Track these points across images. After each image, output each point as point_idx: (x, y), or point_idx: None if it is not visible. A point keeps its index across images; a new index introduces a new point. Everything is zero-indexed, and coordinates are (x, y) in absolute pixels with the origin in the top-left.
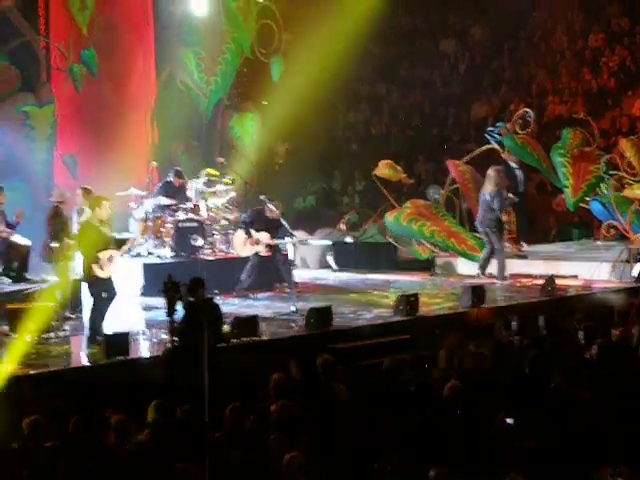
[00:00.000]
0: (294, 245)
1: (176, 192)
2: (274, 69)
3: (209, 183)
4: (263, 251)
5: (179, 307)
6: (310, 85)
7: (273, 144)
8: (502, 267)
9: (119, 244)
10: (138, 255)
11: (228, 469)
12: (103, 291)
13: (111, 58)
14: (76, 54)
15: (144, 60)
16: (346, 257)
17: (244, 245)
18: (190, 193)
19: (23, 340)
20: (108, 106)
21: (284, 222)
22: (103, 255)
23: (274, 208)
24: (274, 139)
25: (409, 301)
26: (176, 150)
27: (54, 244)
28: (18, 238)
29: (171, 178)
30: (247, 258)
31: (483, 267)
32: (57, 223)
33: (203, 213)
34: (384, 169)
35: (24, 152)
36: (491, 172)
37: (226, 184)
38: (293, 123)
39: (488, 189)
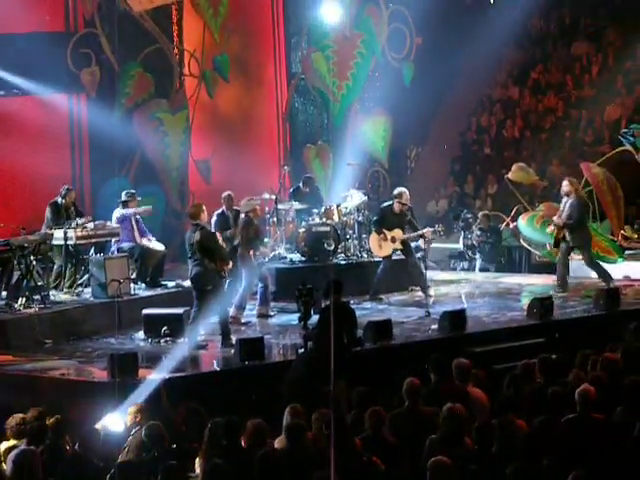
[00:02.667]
0: (425, 241)
1: (306, 197)
2: (405, 73)
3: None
4: (399, 248)
5: (313, 312)
6: (441, 89)
7: (405, 148)
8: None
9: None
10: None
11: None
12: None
13: (243, 63)
14: (209, 60)
15: (275, 65)
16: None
17: (380, 246)
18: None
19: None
20: (240, 111)
21: (410, 216)
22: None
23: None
24: (406, 143)
25: (543, 304)
26: (308, 154)
27: (250, 250)
28: (153, 244)
29: (300, 184)
30: (379, 262)
31: None
32: (250, 231)
33: (335, 217)
34: (517, 172)
35: (158, 158)
36: None
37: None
38: (425, 127)
39: None
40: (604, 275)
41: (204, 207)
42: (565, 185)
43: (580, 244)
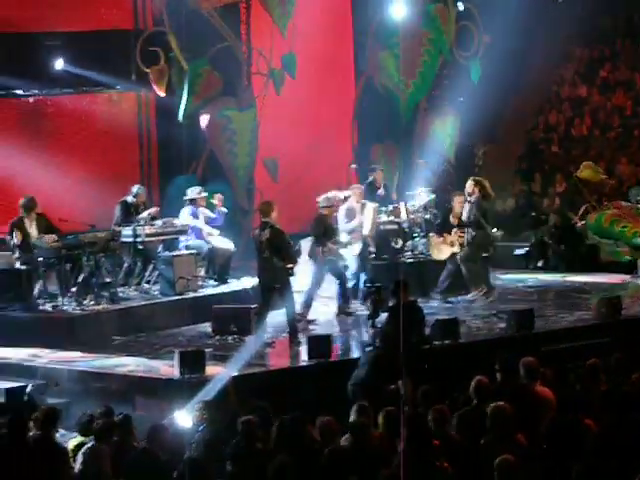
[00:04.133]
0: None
1: (377, 194)
2: (473, 71)
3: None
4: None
5: (381, 310)
6: (509, 87)
7: (472, 146)
8: None
9: None
10: None
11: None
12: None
13: (311, 62)
14: (277, 58)
15: (343, 63)
16: (547, 258)
17: (438, 249)
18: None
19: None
20: (308, 109)
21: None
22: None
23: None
24: (473, 141)
25: (611, 304)
26: (375, 153)
27: (320, 247)
28: (221, 242)
29: (372, 176)
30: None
31: None
32: (321, 228)
33: (403, 215)
34: (585, 170)
35: (226, 156)
36: None
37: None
38: (493, 125)
39: None
40: (470, 280)
41: (275, 205)
42: (469, 185)
43: (470, 241)
